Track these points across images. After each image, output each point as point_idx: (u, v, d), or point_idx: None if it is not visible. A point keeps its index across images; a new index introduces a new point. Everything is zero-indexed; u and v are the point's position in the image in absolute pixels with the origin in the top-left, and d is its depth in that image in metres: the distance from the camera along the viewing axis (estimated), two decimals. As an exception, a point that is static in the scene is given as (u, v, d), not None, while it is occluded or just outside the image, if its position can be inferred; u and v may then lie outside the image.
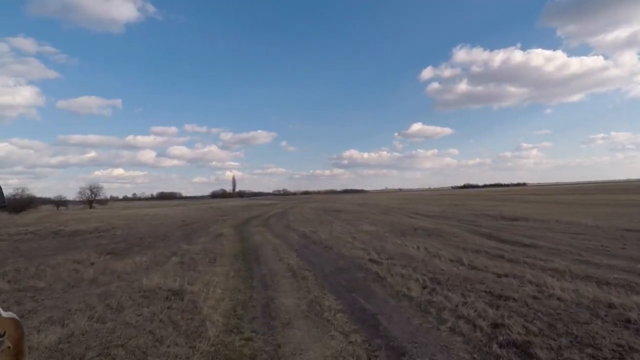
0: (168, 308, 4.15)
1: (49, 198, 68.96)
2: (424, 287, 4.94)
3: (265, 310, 4.23)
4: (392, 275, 5.66)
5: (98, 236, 13.71)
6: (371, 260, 6.86)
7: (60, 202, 66.23)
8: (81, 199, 69.73)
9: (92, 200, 68.27)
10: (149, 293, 4.77)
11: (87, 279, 5.83)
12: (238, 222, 18.22)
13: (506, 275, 5.53)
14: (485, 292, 4.68)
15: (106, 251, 9.45)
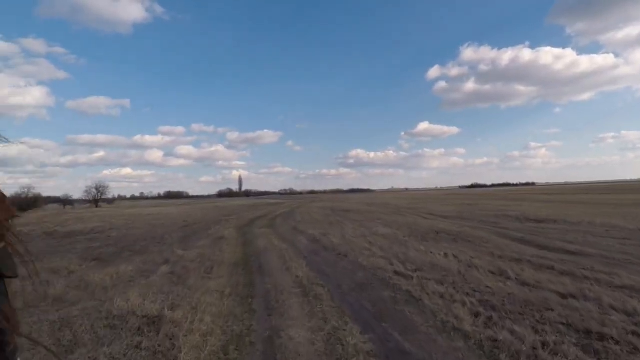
0: (136, 347, 3.04)
1: (58, 197, 69.35)
2: (476, 315, 3.77)
3: (269, 350, 3.10)
4: (428, 295, 4.49)
5: (91, 238, 12.74)
6: (397, 273, 5.68)
7: (67, 201, 66.16)
8: (87, 198, 69.65)
9: (98, 199, 68.05)
10: (118, 321, 3.67)
11: (52, 296, 4.76)
12: (242, 222, 17.15)
13: (573, 296, 4.34)
14: (563, 324, 3.49)
15: (92, 256, 8.44)
